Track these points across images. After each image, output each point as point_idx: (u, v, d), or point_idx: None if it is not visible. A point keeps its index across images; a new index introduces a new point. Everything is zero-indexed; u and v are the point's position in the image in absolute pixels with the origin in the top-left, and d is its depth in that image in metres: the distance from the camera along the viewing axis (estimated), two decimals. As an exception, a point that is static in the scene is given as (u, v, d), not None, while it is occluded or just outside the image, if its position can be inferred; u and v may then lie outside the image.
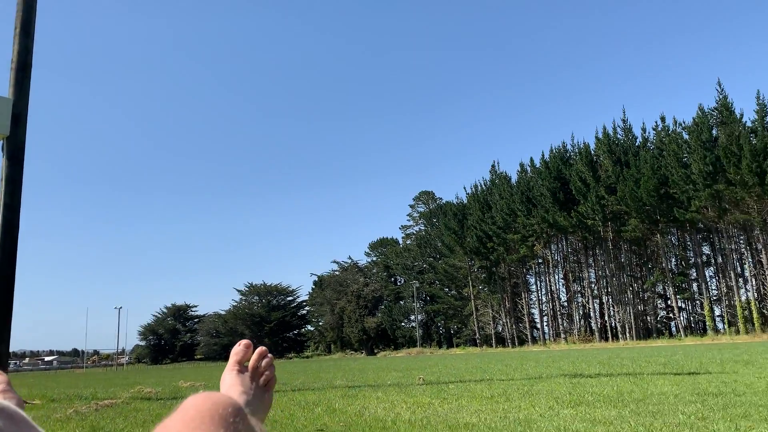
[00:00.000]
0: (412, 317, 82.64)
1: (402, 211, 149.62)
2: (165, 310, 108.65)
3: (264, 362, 1.14)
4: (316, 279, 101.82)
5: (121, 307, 75.08)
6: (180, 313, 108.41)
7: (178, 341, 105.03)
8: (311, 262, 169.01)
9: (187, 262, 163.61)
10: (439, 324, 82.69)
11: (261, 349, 1.15)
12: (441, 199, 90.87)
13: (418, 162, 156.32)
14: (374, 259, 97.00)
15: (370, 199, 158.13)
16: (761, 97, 57.86)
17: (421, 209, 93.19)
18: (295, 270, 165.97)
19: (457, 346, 73.23)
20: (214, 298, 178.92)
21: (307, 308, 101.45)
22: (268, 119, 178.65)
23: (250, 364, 1.12)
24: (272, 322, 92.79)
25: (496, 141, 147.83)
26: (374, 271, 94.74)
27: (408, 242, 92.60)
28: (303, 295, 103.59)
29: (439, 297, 79.04)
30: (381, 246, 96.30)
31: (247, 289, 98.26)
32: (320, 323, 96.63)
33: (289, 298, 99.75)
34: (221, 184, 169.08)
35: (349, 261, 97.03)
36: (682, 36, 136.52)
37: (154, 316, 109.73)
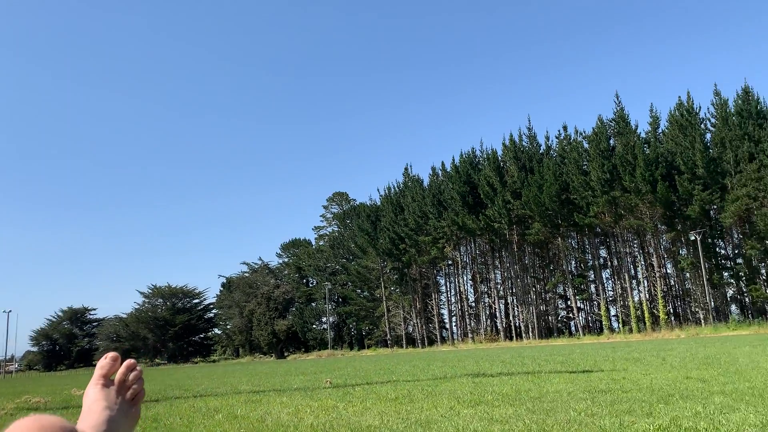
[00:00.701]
0: (324, 319, 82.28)
1: (315, 211, 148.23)
2: (60, 314, 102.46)
3: (132, 375, 1.10)
4: (225, 281, 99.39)
5: (10, 311, 69.93)
6: (77, 317, 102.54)
7: (74, 346, 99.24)
8: (219, 264, 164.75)
9: (85, 263, 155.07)
10: (350, 325, 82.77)
11: (129, 361, 1.12)
12: (355, 200, 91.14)
13: (332, 163, 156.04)
14: (286, 260, 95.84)
15: (283, 199, 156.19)
16: (654, 110, 61.98)
17: (335, 210, 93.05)
18: (203, 272, 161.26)
19: (369, 347, 73.60)
20: (114, 301, 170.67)
21: (214, 311, 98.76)
22: (184, 118, 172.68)
23: (117, 377, 1.09)
24: (177, 326, 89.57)
25: (410, 144, 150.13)
26: (286, 272, 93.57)
27: (321, 243, 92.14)
28: (210, 298, 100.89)
29: (351, 298, 79.13)
30: (293, 247, 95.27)
31: (150, 291, 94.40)
32: (228, 326, 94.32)
33: (196, 301, 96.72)
34: (126, 182, 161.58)
35: (260, 262, 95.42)
36: (584, 47, 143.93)
37: (48, 320, 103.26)
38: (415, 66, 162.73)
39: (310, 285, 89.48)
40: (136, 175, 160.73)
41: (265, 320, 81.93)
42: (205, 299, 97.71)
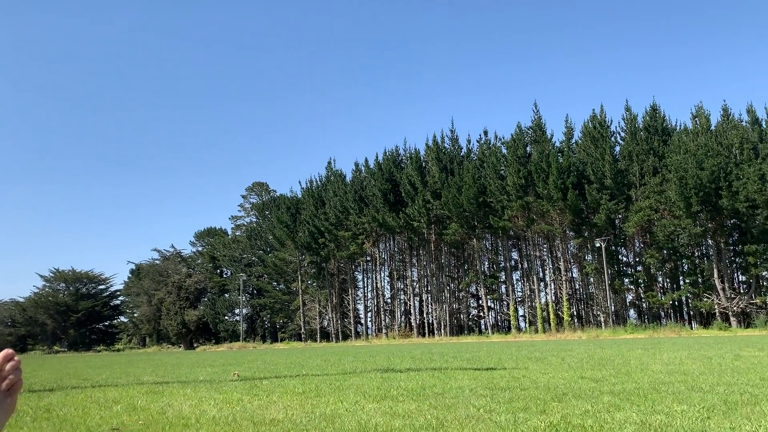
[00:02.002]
0: (237, 311, 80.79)
1: (233, 201, 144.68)
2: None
3: (9, 366, 1.10)
4: (134, 267, 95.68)
5: None
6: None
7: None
8: (129, 250, 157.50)
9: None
10: (264, 318, 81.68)
11: (6, 351, 1.12)
12: (275, 191, 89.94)
13: (252, 153, 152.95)
14: (200, 249, 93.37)
15: (199, 186, 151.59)
16: (569, 121, 64.79)
17: (254, 200, 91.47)
18: (110, 257, 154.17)
19: (282, 340, 72.89)
20: (9, 284, 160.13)
21: (121, 298, 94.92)
22: (98, 99, 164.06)
23: None
24: (80, 312, 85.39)
25: (334, 139, 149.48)
26: (199, 261, 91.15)
27: (237, 233, 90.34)
28: (117, 284, 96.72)
29: (266, 291, 78.09)
30: (208, 236, 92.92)
31: (52, 275, 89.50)
32: (135, 315, 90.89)
33: (101, 287, 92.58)
34: (28, 158, 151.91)
35: (172, 250, 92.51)
36: (508, 53, 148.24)
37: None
38: (342, 58, 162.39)
39: (224, 275, 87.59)
40: (40, 151, 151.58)
41: (174, 309, 79.47)
42: (111, 285, 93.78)
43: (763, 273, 54.43)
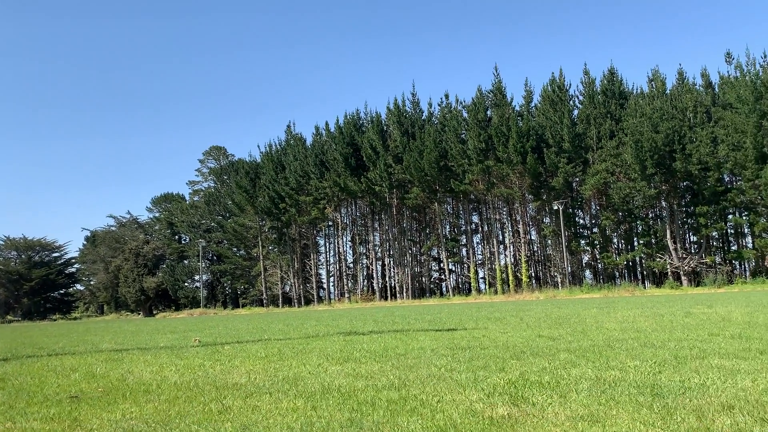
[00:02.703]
0: (197, 277, 79.99)
1: (190, 166, 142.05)
2: None
3: None
4: (89, 234, 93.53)
5: None
6: None
7: None
8: (83, 216, 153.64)
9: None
10: (225, 284, 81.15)
11: None
12: (233, 155, 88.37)
13: (209, 116, 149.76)
14: (157, 215, 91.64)
15: (154, 149, 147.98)
16: (528, 85, 65.26)
17: (212, 165, 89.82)
18: (64, 224, 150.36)
19: (243, 306, 72.70)
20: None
21: (76, 266, 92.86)
22: (40, 54, 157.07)
23: None
24: (33, 281, 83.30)
25: (293, 102, 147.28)
26: (156, 227, 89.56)
27: (195, 199, 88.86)
28: (72, 252, 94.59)
29: (226, 257, 77.42)
30: (165, 201, 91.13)
31: (2, 243, 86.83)
32: (92, 282, 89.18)
33: (55, 255, 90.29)
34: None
35: (129, 216, 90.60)
36: (470, 16, 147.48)
37: None
38: (301, 18, 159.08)
39: (183, 242, 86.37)
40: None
41: (132, 277, 78.19)
42: (66, 253, 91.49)
43: (713, 233, 56.49)
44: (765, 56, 59.47)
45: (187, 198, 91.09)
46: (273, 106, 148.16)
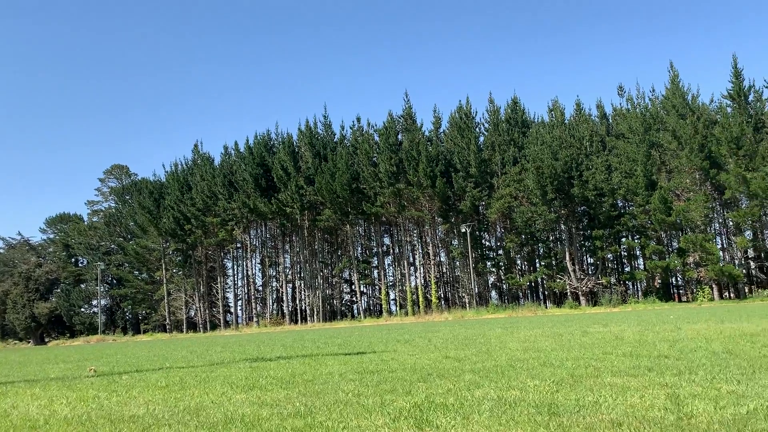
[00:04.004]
0: (95, 302, 75.65)
1: (89, 185, 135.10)
2: None
3: None
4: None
5: None
6: None
7: None
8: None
9: None
10: (125, 309, 77.20)
11: None
12: (136, 175, 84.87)
13: (111, 133, 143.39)
14: (51, 236, 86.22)
15: (50, 168, 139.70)
16: (437, 111, 67.25)
17: (113, 184, 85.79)
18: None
19: (145, 332, 69.32)
20: None
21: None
22: None
23: None
24: None
25: (201, 121, 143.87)
26: (51, 250, 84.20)
27: (95, 220, 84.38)
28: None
29: (127, 280, 73.75)
30: (61, 222, 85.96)
31: None
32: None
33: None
34: None
35: (19, 238, 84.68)
36: (377, 41, 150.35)
37: None
38: (211, 36, 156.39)
39: (80, 265, 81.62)
40: None
41: (22, 302, 72.90)
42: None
43: (608, 256, 59.88)
44: (653, 90, 64.42)
45: (86, 219, 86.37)
46: (180, 125, 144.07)
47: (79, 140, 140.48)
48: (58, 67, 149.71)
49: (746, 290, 54.15)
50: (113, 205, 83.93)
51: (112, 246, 77.54)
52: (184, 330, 66.60)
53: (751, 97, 56.78)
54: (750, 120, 54.55)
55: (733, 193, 51.57)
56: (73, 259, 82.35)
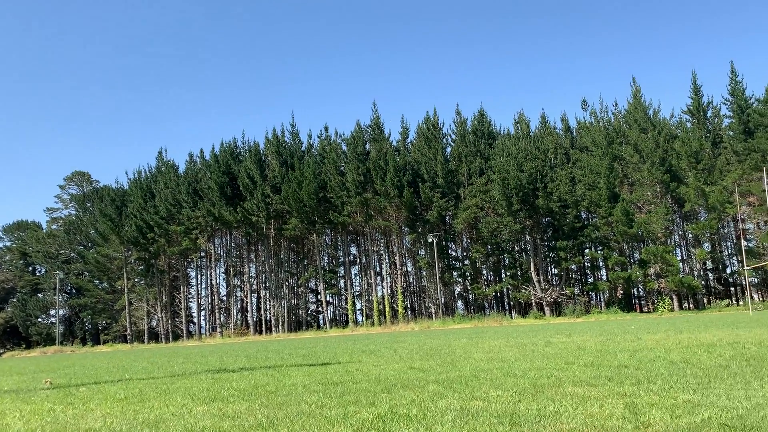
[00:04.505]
0: (53, 312, 73.64)
1: (49, 192, 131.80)
2: None
3: None
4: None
5: None
6: None
7: None
8: None
9: None
10: (85, 319, 75.29)
11: None
12: (98, 182, 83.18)
13: (71, 138, 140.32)
14: (8, 244, 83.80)
15: (7, 175, 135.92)
16: (405, 121, 67.43)
17: (73, 191, 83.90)
18: None
19: (105, 343, 67.64)
20: None
21: None
22: None
23: None
24: None
25: (165, 127, 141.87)
26: (7, 258, 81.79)
27: (54, 227, 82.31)
28: None
29: (87, 290, 71.96)
30: (18, 230, 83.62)
31: None
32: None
33: None
34: None
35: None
36: (348, 52, 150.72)
37: None
38: (173, 40, 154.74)
39: (38, 273, 79.42)
40: None
41: (-24, 312, 70.59)
42: None
43: (572, 266, 60.81)
44: (616, 105, 65.84)
45: (44, 226, 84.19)
46: (142, 132, 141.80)
47: (38, 146, 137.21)
48: (17, 70, 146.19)
49: (704, 301, 55.58)
50: (73, 212, 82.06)
51: (72, 254, 75.68)
52: (146, 341, 65.25)
53: (709, 113, 58.59)
54: (708, 135, 56.26)
55: (693, 205, 52.99)
56: (30, 268, 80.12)
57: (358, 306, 64.90)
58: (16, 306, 73.53)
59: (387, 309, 59.67)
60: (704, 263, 56.36)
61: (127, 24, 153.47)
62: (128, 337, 66.55)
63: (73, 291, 76.02)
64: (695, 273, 55.44)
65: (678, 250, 58.18)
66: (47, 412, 7.06)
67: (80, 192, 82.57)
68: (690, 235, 56.86)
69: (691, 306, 55.51)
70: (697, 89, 58.03)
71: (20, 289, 76.44)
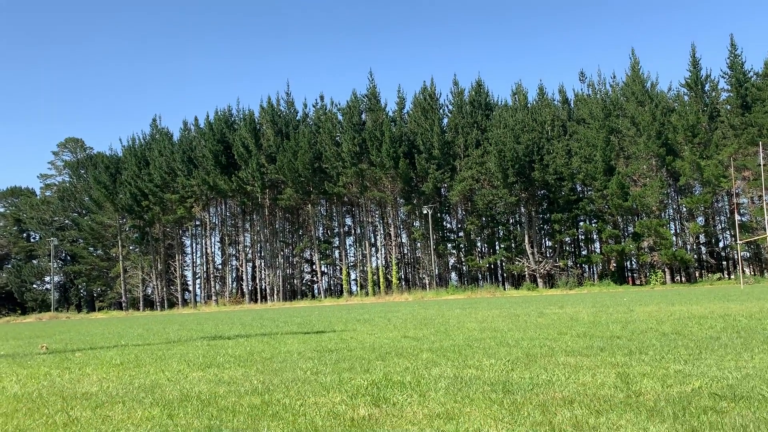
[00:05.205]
0: (48, 278, 73.76)
1: (42, 158, 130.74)
2: None
3: None
4: None
5: None
6: None
7: None
8: None
9: None
10: (80, 286, 75.51)
11: None
12: (92, 148, 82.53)
13: (65, 105, 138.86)
14: (2, 210, 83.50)
15: (1, 140, 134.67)
16: (401, 91, 67.06)
17: (67, 158, 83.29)
18: None
19: (100, 310, 67.97)
20: None
21: None
22: None
23: None
24: None
25: (159, 94, 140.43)
26: (1, 224, 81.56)
27: (48, 194, 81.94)
28: None
29: (82, 257, 72.05)
30: (12, 196, 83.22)
31: None
32: None
33: None
34: None
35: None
36: (345, 20, 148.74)
37: None
38: (170, 6, 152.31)
39: (32, 240, 79.32)
40: None
41: (-29, 278, 70.69)
42: None
43: (566, 239, 61.10)
44: (614, 77, 65.43)
45: (38, 193, 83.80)
46: (137, 98, 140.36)
47: (31, 112, 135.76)
48: (9, 35, 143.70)
49: (696, 274, 56.06)
50: (67, 179, 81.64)
51: (66, 221, 75.55)
52: (141, 308, 65.59)
53: (707, 87, 58.29)
54: (705, 109, 56.09)
55: (687, 179, 53.10)
56: (24, 234, 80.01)
57: (353, 276, 65.25)
58: (11, 272, 73.62)
59: (381, 279, 60.00)
60: (697, 237, 56.72)
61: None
62: (123, 305, 66.87)
63: (68, 258, 76.08)
64: (688, 247, 55.81)
65: (672, 224, 58.49)
66: (44, 376, 7.11)
67: (74, 159, 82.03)
68: (684, 209, 57.11)
69: (683, 279, 56.03)
70: (695, 62, 57.65)
71: (15, 255, 76.45)
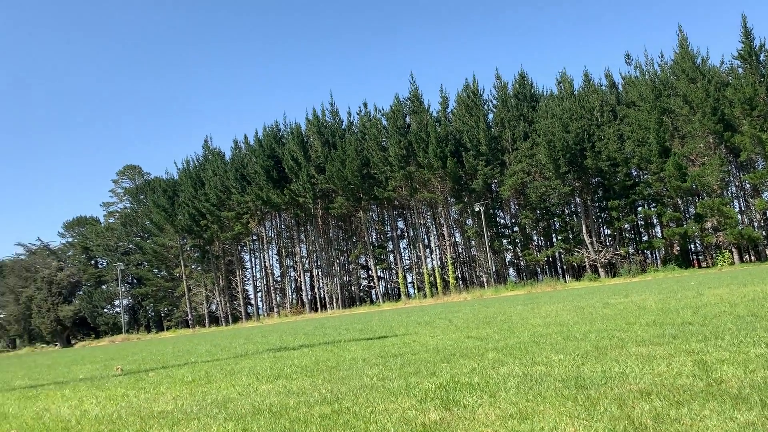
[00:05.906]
0: (117, 302, 76.59)
1: (103, 187, 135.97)
2: None
3: None
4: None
5: None
6: None
7: None
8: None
9: None
10: (147, 307, 78.09)
11: None
12: (149, 174, 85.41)
13: (122, 134, 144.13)
14: (70, 240, 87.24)
15: (65, 173, 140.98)
16: (444, 91, 66.56)
17: (126, 185, 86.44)
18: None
19: (168, 329, 70.12)
20: None
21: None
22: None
23: None
24: (-65, 319, 77.33)
25: (209, 117, 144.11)
26: (70, 253, 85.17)
27: (111, 221, 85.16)
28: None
29: (147, 279, 74.54)
30: (78, 225, 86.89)
31: None
32: (1, 315, 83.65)
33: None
34: None
35: (39, 243, 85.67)
36: (383, 26, 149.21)
37: None
38: (212, 32, 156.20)
39: (100, 266, 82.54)
40: None
41: (47, 306, 73.97)
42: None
43: (625, 226, 59.41)
44: (662, 56, 63.32)
45: (102, 220, 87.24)
46: (188, 122, 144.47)
47: (90, 143, 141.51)
48: (67, 75, 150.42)
49: (767, 252, 53.53)
50: (128, 205, 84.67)
51: (130, 246, 78.28)
52: (207, 324, 67.30)
53: (762, 57, 55.66)
54: (762, 80, 53.56)
55: (749, 154, 50.82)
56: (93, 261, 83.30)
57: (409, 279, 65.21)
58: (83, 298, 76.72)
59: (438, 280, 59.73)
60: (764, 213, 54.17)
61: (164, 14, 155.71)
62: (190, 322, 68.80)
63: (135, 281, 78.77)
64: (755, 224, 53.37)
65: (735, 202, 56.06)
66: (121, 398, 7.36)
67: (133, 185, 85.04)
68: (748, 185, 54.65)
69: (752, 258, 53.60)
70: (747, 32, 55.14)
71: (85, 282, 79.65)
